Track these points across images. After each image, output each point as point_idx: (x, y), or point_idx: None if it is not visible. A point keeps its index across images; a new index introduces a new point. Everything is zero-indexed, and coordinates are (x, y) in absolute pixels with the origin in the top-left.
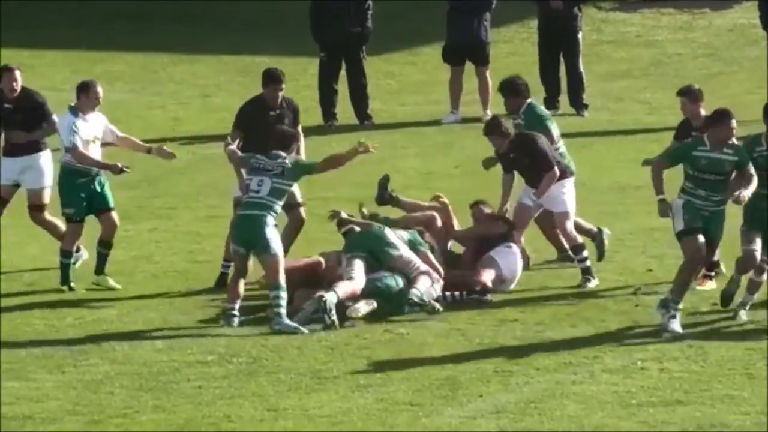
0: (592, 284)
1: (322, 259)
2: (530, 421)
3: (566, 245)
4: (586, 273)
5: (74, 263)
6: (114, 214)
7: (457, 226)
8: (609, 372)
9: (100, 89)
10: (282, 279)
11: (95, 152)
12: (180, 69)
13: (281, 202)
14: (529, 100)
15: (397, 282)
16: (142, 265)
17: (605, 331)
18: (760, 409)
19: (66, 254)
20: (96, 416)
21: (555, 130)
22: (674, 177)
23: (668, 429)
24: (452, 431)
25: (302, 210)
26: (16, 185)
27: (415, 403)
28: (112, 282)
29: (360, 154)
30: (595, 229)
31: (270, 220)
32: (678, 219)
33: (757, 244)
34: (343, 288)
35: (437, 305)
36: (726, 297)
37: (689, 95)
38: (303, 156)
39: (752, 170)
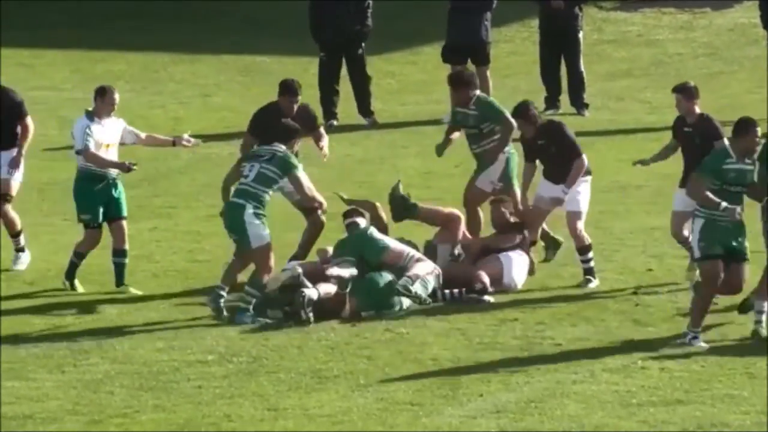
0: (593, 285)
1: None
2: (530, 420)
3: (573, 244)
4: (588, 273)
5: (16, 263)
6: (124, 223)
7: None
8: (609, 371)
9: (116, 95)
10: (263, 277)
11: (109, 157)
12: (180, 68)
13: (269, 191)
14: (477, 92)
15: (383, 277)
16: (143, 265)
17: (605, 331)
18: (760, 409)
19: (79, 256)
20: (96, 416)
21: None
22: (674, 174)
23: (668, 428)
24: (452, 431)
25: (322, 214)
26: None
27: (415, 403)
28: (133, 290)
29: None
30: (559, 240)
31: (250, 210)
32: (696, 244)
33: None
34: (325, 289)
35: (425, 296)
36: (747, 306)
37: (684, 92)
38: (326, 151)
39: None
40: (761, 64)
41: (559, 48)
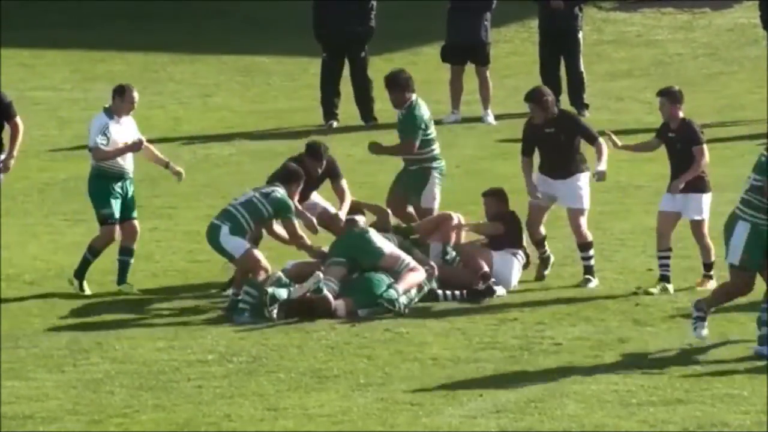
0: (593, 284)
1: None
2: (530, 420)
3: (575, 241)
4: (588, 272)
5: None
6: (136, 223)
7: (464, 238)
8: (609, 371)
9: (136, 94)
10: (258, 276)
11: (123, 157)
12: (180, 69)
13: (250, 222)
14: (414, 96)
15: (379, 276)
16: (142, 265)
17: (605, 330)
18: (760, 408)
19: (94, 252)
20: (96, 416)
21: (427, 135)
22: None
23: (668, 428)
24: (452, 431)
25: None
26: None
27: (415, 403)
28: (135, 290)
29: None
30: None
31: (225, 230)
32: (735, 250)
33: None
34: (301, 290)
35: (404, 310)
36: None
37: (669, 96)
38: (347, 193)
39: None
40: (761, 64)
41: (558, 48)
